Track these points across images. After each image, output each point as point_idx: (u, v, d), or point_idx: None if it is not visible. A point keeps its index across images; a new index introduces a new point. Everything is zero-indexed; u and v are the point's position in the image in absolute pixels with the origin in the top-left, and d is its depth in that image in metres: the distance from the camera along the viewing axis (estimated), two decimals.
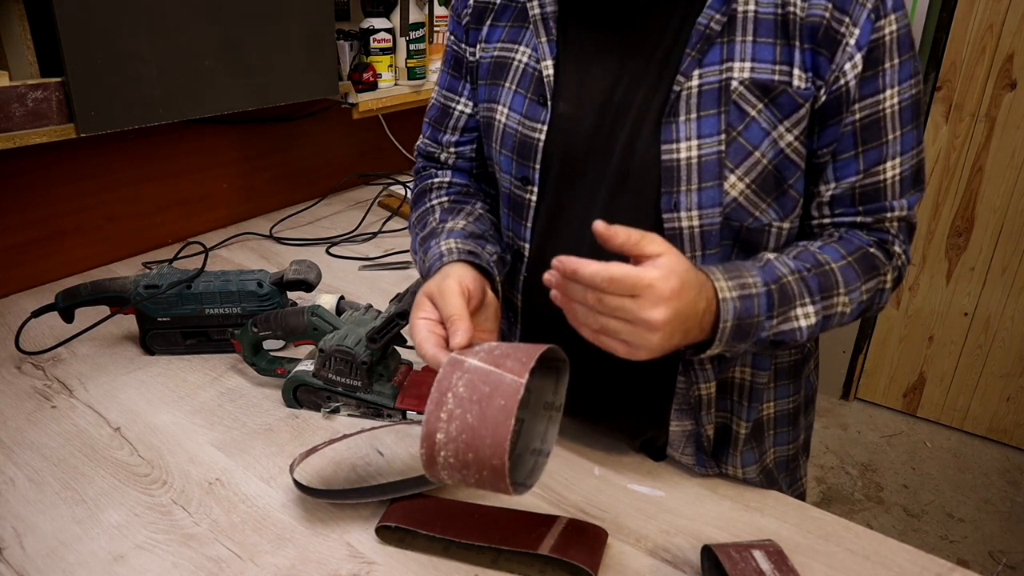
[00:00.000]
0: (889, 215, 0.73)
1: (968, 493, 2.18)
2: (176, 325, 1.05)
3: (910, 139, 0.71)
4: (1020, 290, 2.24)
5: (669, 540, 0.75)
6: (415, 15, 1.63)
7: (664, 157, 0.71)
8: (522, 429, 0.68)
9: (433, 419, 0.57)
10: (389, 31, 1.60)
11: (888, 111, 0.70)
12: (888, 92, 0.69)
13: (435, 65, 1.74)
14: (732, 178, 0.70)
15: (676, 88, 0.70)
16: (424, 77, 1.72)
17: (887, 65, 0.68)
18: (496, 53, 0.82)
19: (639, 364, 0.63)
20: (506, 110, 0.80)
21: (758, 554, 0.66)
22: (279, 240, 1.52)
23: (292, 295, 1.20)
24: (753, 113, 0.69)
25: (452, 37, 0.88)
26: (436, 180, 0.92)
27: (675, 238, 0.72)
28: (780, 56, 0.68)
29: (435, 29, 1.71)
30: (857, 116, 0.70)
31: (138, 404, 0.96)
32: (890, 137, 0.71)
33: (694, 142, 0.70)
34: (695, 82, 0.70)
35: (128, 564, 0.71)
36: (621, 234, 0.58)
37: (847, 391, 2.61)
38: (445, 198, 0.89)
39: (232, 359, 1.06)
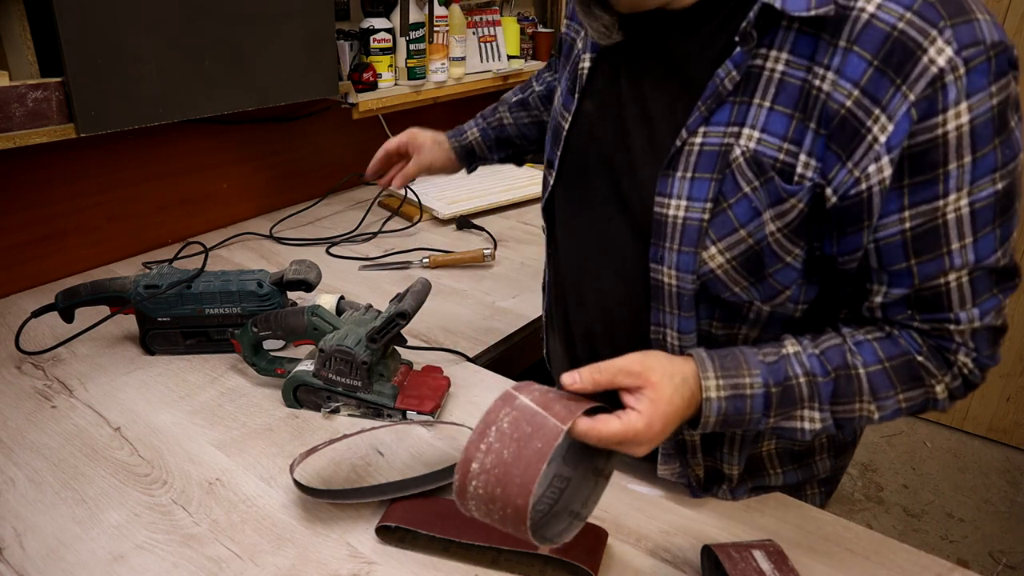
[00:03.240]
0: (953, 327, 0.63)
1: (968, 493, 2.18)
2: (176, 325, 1.05)
3: (988, 244, 0.59)
4: (1020, 290, 2.24)
5: (669, 540, 0.75)
6: (415, 15, 1.63)
7: (656, 209, 0.68)
8: (567, 487, 0.67)
9: (472, 448, 0.58)
10: (389, 31, 1.60)
11: (951, 217, 0.58)
12: (952, 197, 0.58)
13: (435, 65, 1.74)
14: (712, 249, 0.65)
15: (678, 143, 0.66)
16: (424, 77, 1.72)
17: (951, 167, 0.57)
18: (572, 33, 0.84)
19: None
20: (558, 95, 0.83)
21: (758, 554, 0.66)
22: (279, 240, 1.52)
23: (292, 295, 1.20)
24: (747, 190, 0.63)
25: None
26: (522, 99, 1.15)
27: (659, 290, 0.70)
28: (792, 133, 0.60)
29: (435, 29, 1.71)
30: (907, 225, 0.59)
31: (138, 404, 0.96)
32: (954, 247, 0.59)
33: (683, 202, 0.66)
34: (698, 139, 0.65)
35: (128, 564, 0.71)
36: (588, 382, 0.60)
37: None
38: (510, 118, 1.15)
39: (232, 359, 1.06)
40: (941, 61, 0.54)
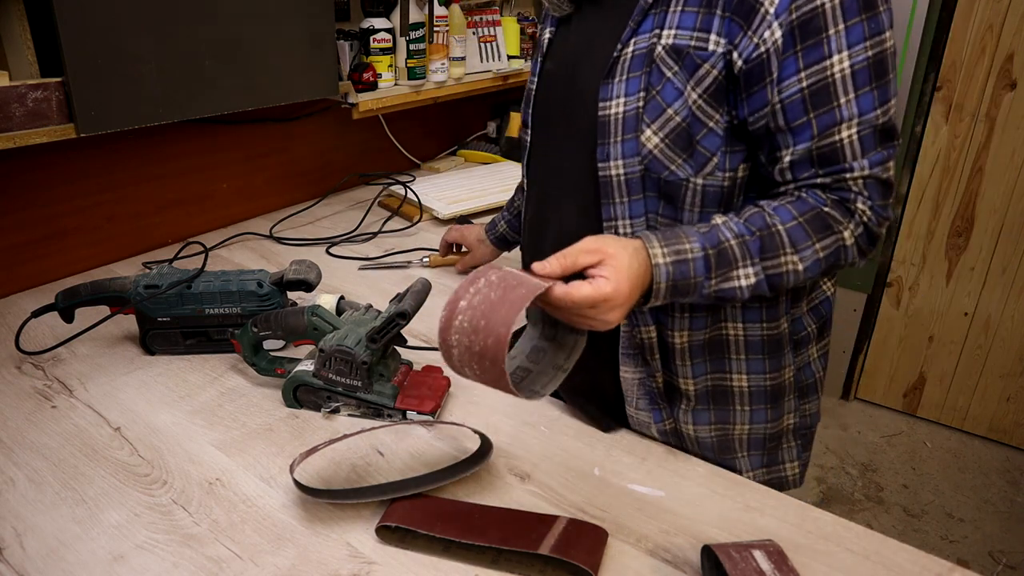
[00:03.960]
0: (849, 176, 0.75)
1: (968, 493, 2.18)
2: (176, 325, 1.05)
3: (868, 101, 0.73)
4: (1020, 290, 2.24)
5: (669, 540, 0.75)
6: (415, 15, 1.63)
7: (600, 113, 0.81)
8: (527, 376, 0.73)
9: (462, 291, 0.65)
10: (389, 31, 1.60)
11: (837, 76, 0.72)
12: (835, 58, 0.71)
13: (435, 65, 1.74)
14: (648, 132, 0.78)
15: (615, 54, 0.80)
16: (424, 77, 1.72)
17: (831, 32, 0.71)
18: (542, 36, 0.98)
19: None
20: (531, 74, 0.98)
21: (758, 554, 0.66)
22: (279, 240, 1.52)
23: (292, 295, 1.20)
24: (669, 75, 0.76)
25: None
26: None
27: (608, 185, 0.82)
28: (700, 24, 0.75)
29: (435, 29, 1.71)
30: (804, 84, 0.72)
31: (138, 404, 0.96)
32: (842, 101, 0.72)
33: (622, 99, 0.79)
34: (630, 48, 0.79)
35: (128, 564, 0.71)
36: (556, 266, 0.68)
37: (847, 391, 2.61)
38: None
39: (232, 359, 1.06)
40: None
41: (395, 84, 1.69)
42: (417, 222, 1.63)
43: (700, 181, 0.79)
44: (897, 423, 2.50)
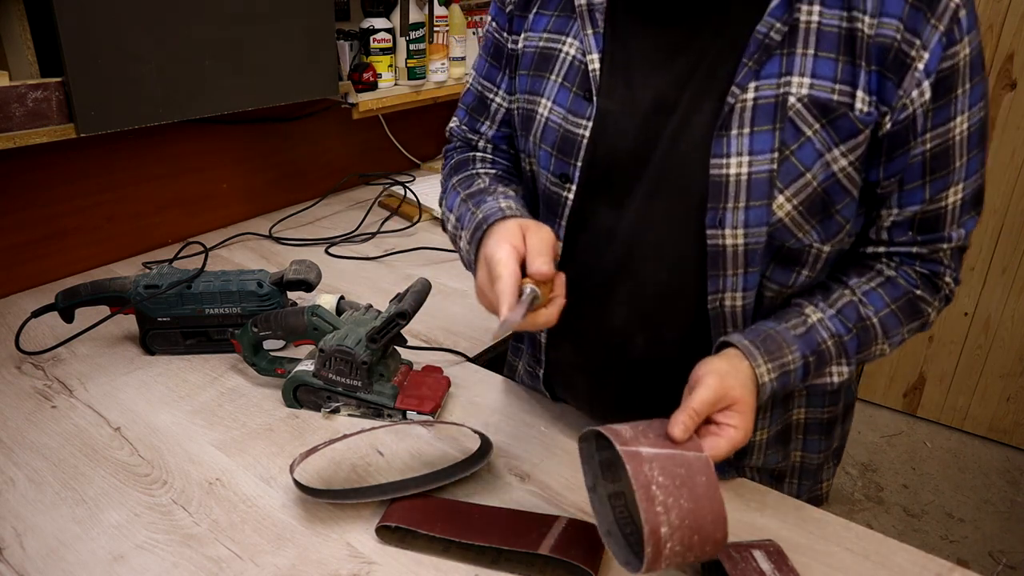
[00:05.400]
0: (945, 246, 0.72)
1: (968, 493, 2.18)
2: (176, 325, 1.05)
3: (976, 163, 0.70)
4: (1020, 290, 2.24)
5: None
6: (415, 15, 1.63)
7: (713, 172, 0.68)
8: (626, 502, 0.69)
9: (651, 515, 0.57)
10: (389, 31, 1.60)
11: (957, 138, 0.67)
12: (959, 119, 0.66)
13: (435, 65, 1.74)
14: (781, 198, 0.67)
15: (731, 100, 0.67)
16: (424, 77, 1.72)
17: (959, 92, 0.65)
18: (541, 44, 0.80)
19: (660, 380, 0.72)
20: (549, 103, 0.77)
21: (758, 554, 0.66)
22: (279, 240, 1.52)
23: (292, 295, 1.20)
24: (809, 133, 0.66)
25: (494, 24, 0.87)
26: (479, 154, 0.91)
27: (718, 255, 0.70)
28: (842, 75, 0.65)
29: (435, 29, 1.71)
30: (928, 146, 0.67)
31: (138, 404, 0.96)
32: (957, 164, 0.68)
33: (745, 158, 0.67)
34: (751, 95, 0.66)
35: (128, 564, 0.71)
36: (692, 425, 0.62)
37: None
38: (492, 170, 0.88)
39: (232, 359, 1.06)
40: None
41: (395, 84, 1.69)
42: (417, 222, 1.63)
43: (827, 248, 0.71)
44: (897, 423, 2.51)
